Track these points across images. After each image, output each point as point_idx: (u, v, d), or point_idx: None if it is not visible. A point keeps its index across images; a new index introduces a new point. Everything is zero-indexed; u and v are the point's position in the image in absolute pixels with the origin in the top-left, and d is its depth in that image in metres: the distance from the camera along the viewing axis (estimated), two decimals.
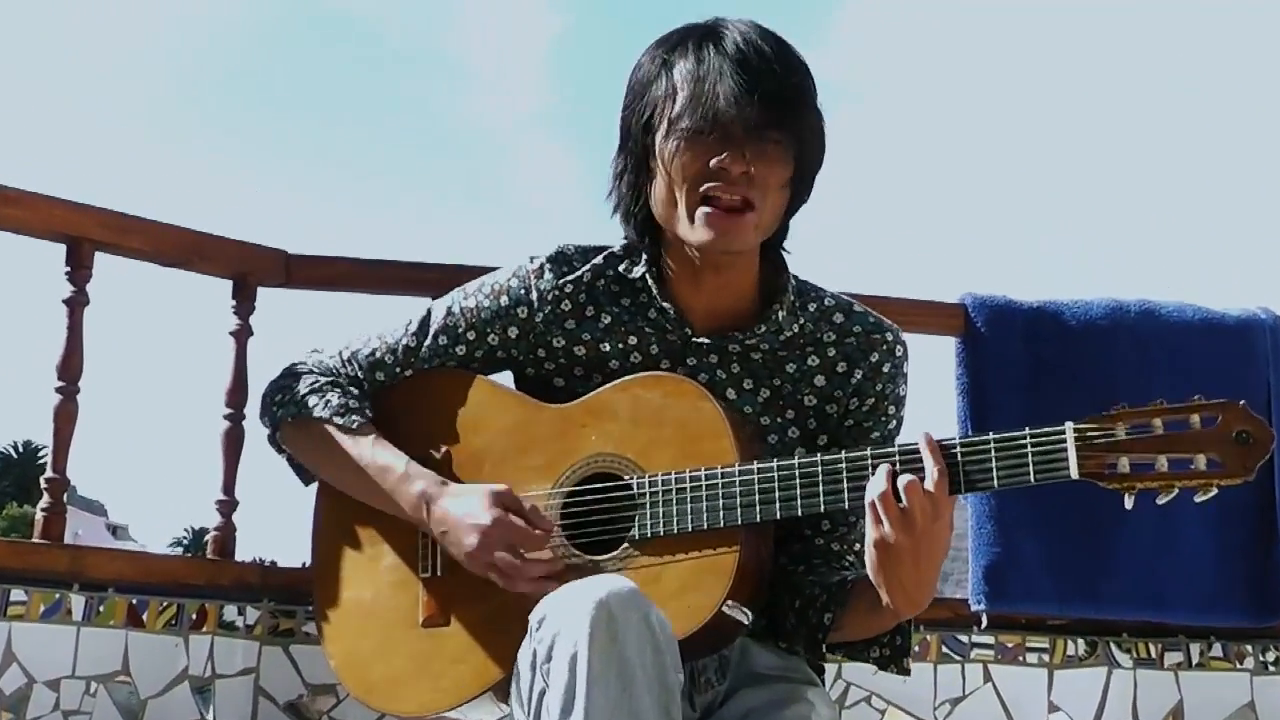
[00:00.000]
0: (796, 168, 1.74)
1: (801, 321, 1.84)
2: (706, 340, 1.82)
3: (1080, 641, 2.76)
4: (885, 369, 1.83)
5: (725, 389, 1.82)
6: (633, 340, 1.83)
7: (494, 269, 1.96)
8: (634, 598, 1.49)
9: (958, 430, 2.78)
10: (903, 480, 1.57)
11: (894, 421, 1.85)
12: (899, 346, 1.85)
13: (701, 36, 1.73)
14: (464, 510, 1.75)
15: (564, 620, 1.50)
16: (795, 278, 1.87)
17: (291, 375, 1.93)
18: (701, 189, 1.73)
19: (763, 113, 1.68)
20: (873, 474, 1.59)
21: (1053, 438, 1.53)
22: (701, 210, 1.73)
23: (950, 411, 2.78)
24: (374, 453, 1.83)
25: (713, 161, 1.70)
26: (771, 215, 1.75)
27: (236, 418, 2.58)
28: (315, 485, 1.94)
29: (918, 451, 1.59)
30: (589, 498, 1.76)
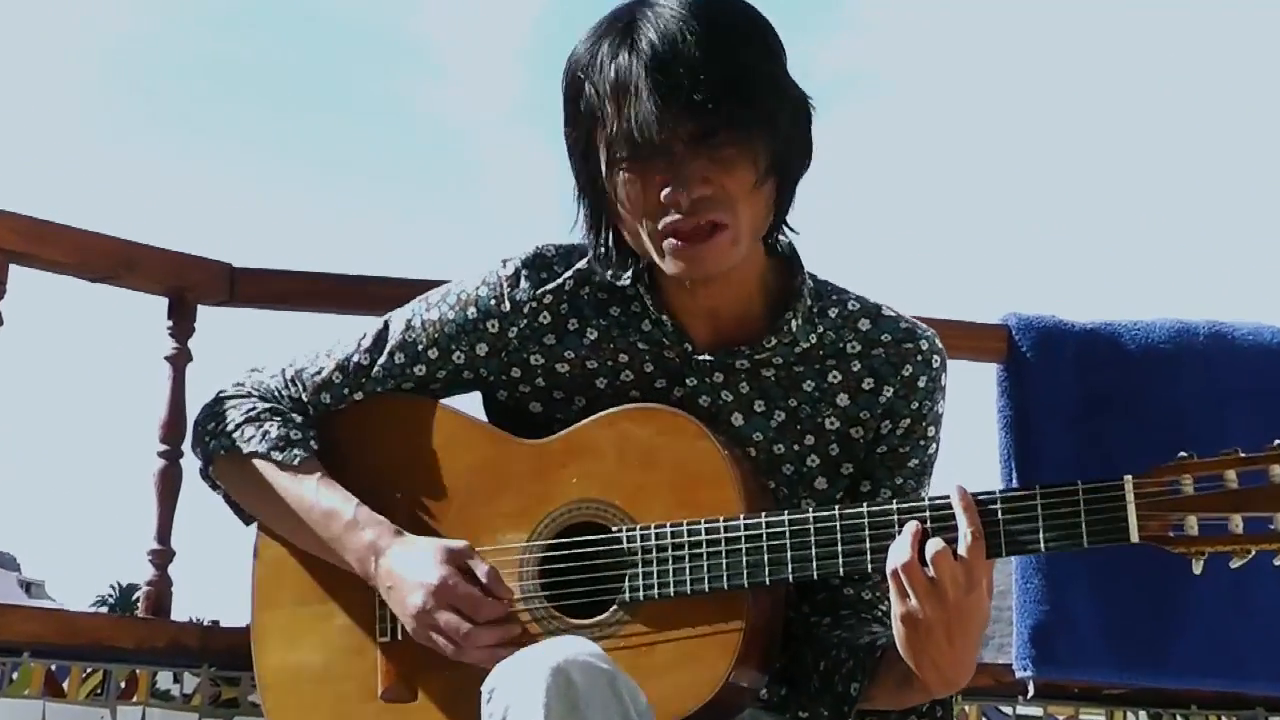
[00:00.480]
0: (771, 156, 1.67)
1: (820, 330, 1.80)
2: (709, 357, 1.78)
3: (1143, 714, 2.78)
4: (921, 384, 1.79)
5: (732, 412, 1.79)
6: (623, 358, 1.80)
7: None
8: (596, 662, 1.47)
9: (999, 470, 2.74)
10: (931, 548, 1.54)
11: (932, 446, 1.82)
12: (936, 356, 1.81)
13: (619, 34, 1.65)
14: (412, 566, 1.73)
15: (517, 691, 1.47)
16: (812, 277, 1.82)
17: (226, 400, 1.90)
18: (660, 224, 1.68)
19: (701, 119, 1.62)
20: (898, 533, 1.57)
21: (1109, 494, 1.51)
22: (667, 243, 1.69)
23: (990, 447, 2.74)
24: (319, 494, 1.81)
25: (662, 194, 1.66)
26: (754, 221, 1.70)
27: (173, 455, 2.54)
28: (256, 526, 1.92)
29: (950, 507, 1.56)
30: (571, 552, 1.73)
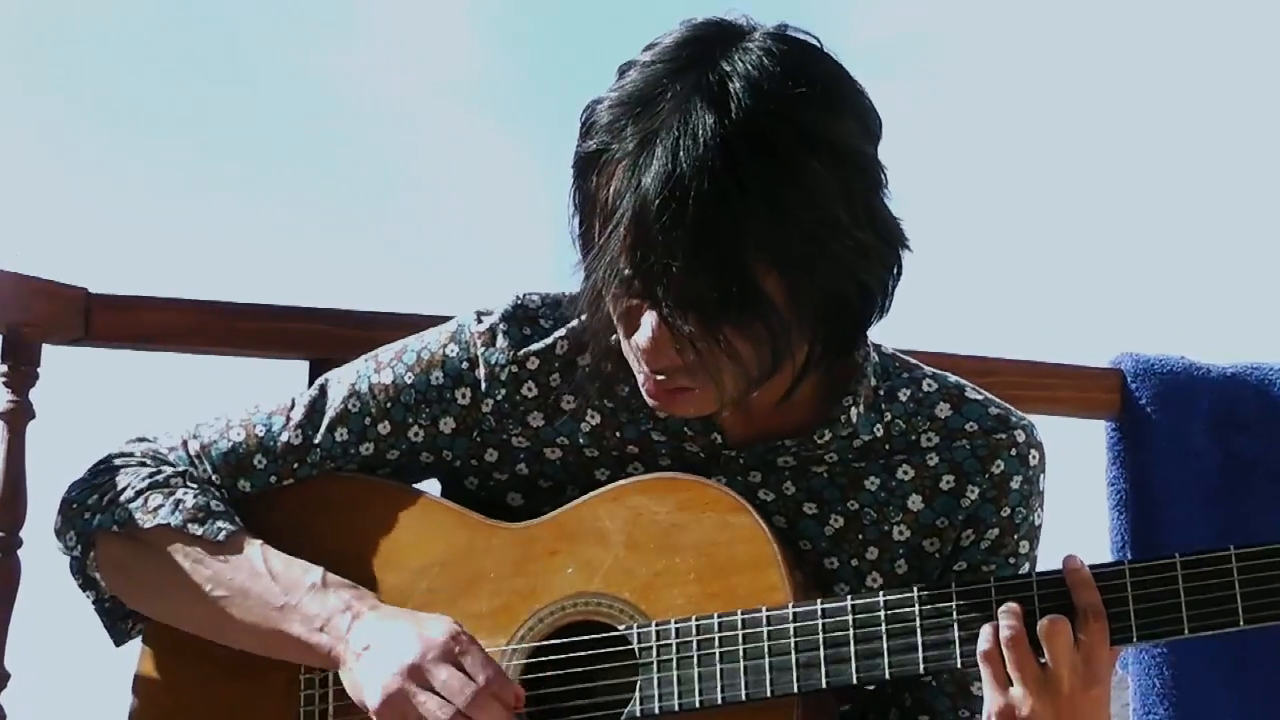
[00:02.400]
0: (795, 338, 1.79)
1: (889, 418, 1.93)
2: (742, 452, 1.92)
3: None
4: (1014, 484, 1.93)
5: (772, 517, 1.91)
6: (633, 449, 1.93)
7: (419, 320, 2.05)
8: None
9: (1110, 554, 2.86)
10: (1044, 623, 1.64)
11: (1025, 564, 1.95)
12: (1033, 452, 1.94)
13: (646, 125, 1.77)
14: (392, 638, 1.85)
15: None
16: (878, 350, 1.96)
17: (111, 469, 2.01)
18: (633, 353, 1.84)
19: (682, 293, 1.75)
20: (998, 610, 1.68)
21: (1272, 554, 1.63)
22: (639, 372, 1.85)
23: (1097, 532, 2.90)
24: (268, 559, 1.93)
25: (632, 340, 1.81)
26: (749, 380, 1.82)
27: (8, 545, 2.56)
28: (139, 645, 2.05)
29: (1061, 581, 1.69)
30: (564, 657, 1.86)
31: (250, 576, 1.93)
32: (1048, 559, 2.02)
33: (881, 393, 1.95)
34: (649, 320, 1.78)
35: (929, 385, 1.97)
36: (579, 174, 1.83)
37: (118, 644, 2.07)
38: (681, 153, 1.72)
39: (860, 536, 1.92)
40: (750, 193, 1.72)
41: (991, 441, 1.93)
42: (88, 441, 2.11)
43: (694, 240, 1.72)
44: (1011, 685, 1.68)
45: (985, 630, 1.71)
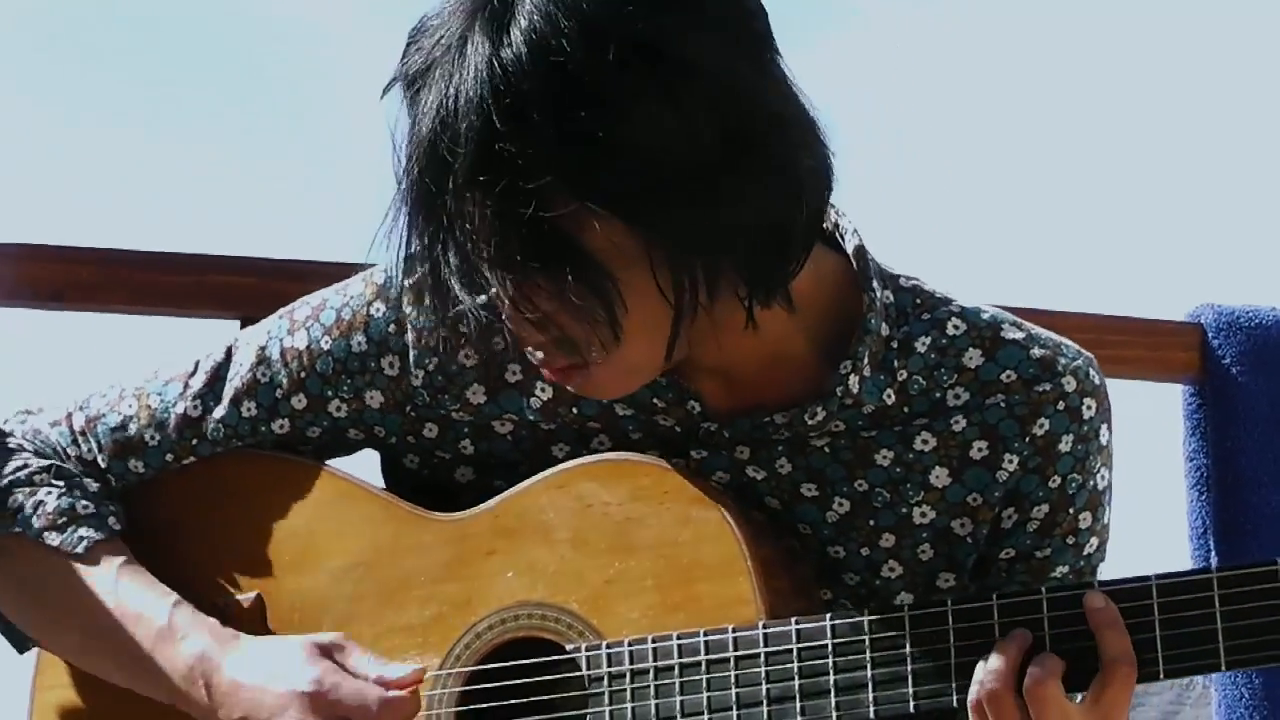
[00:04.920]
0: (666, 261, 1.68)
1: (903, 378, 1.81)
2: (724, 424, 1.82)
3: None
4: (1063, 447, 1.80)
5: (765, 498, 1.82)
6: (594, 424, 1.84)
7: (357, 269, 1.91)
8: None
9: (1189, 546, 2.75)
10: (1028, 685, 1.59)
11: (1090, 543, 1.83)
12: (1087, 400, 1.81)
13: (427, 55, 1.72)
14: (267, 671, 1.78)
15: None
16: (893, 285, 1.83)
17: None
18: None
19: (502, 245, 1.68)
20: (999, 642, 1.61)
21: None
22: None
23: (1173, 516, 2.78)
24: (117, 592, 1.84)
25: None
26: (656, 343, 1.72)
27: None
28: (38, 650, 1.96)
29: (1078, 603, 1.61)
30: (504, 684, 1.76)
31: (103, 608, 1.85)
32: (1113, 554, 1.88)
33: (894, 344, 1.80)
34: (462, 292, 1.71)
35: (955, 327, 1.81)
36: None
37: (19, 650, 1.97)
38: (452, 86, 1.66)
39: (872, 522, 1.81)
40: (532, 124, 1.64)
41: (1033, 395, 1.79)
42: None
43: (471, 188, 1.65)
44: None
45: (977, 671, 1.62)
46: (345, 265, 2.09)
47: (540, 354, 1.73)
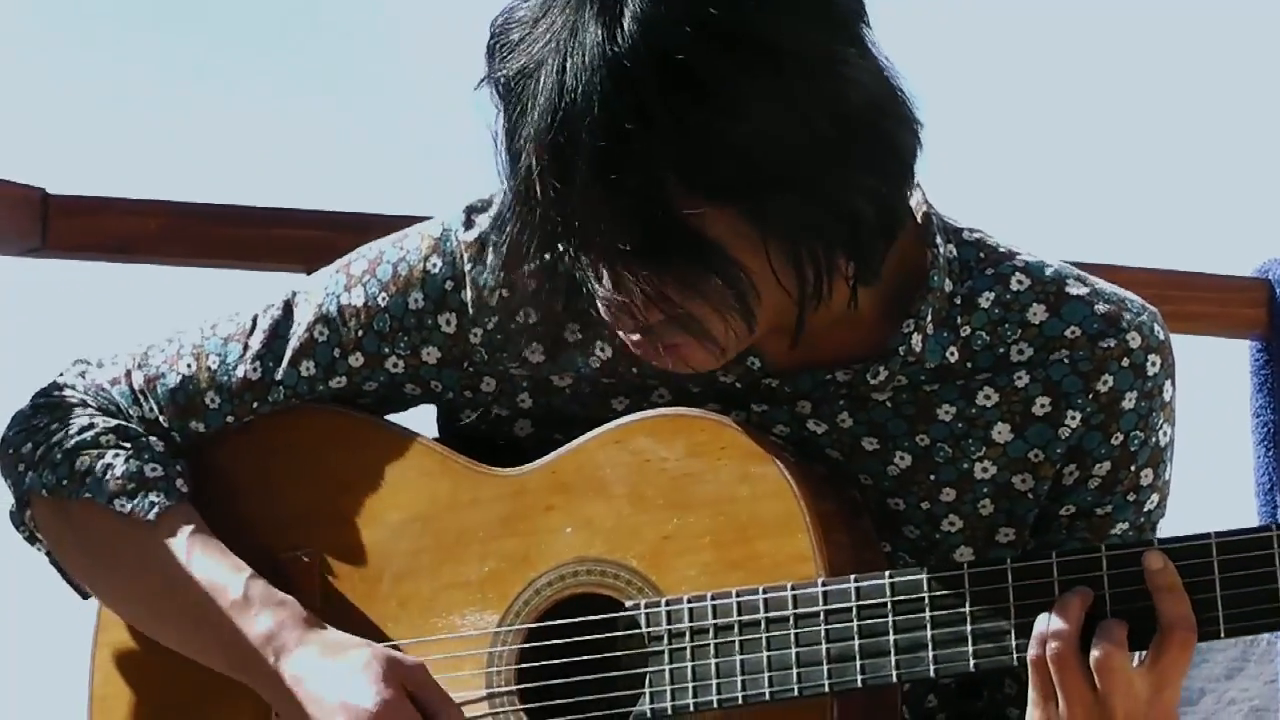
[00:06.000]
0: (786, 245, 1.69)
1: (967, 333, 1.81)
2: (785, 380, 1.82)
3: None
4: (1126, 403, 1.79)
5: (825, 451, 1.82)
6: (653, 381, 1.84)
7: (416, 221, 1.91)
8: None
9: (1255, 502, 2.75)
10: (1096, 654, 1.60)
11: (1150, 499, 1.82)
12: (1152, 357, 1.80)
13: (534, 47, 1.70)
14: (337, 678, 1.77)
15: None
16: (955, 236, 1.83)
17: (47, 409, 1.92)
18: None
19: (617, 235, 1.68)
20: (1058, 599, 1.61)
21: None
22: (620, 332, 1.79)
23: (1240, 472, 2.76)
24: (190, 560, 1.84)
25: (599, 292, 1.75)
26: (762, 318, 1.73)
27: None
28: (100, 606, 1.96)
29: (1137, 561, 1.60)
30: (564, 642, 1.75)
31: (173, 576, 1.85)
32: (1177, 511, 1.88)
33: (958, 300, 1.80)
34: (594, 282, 1.72)
35: (1019, 282, 1.81)
36: (497, 103, 1.74)
37: (84, 597, 1.97)
38: (568, 79, 1.65)
39: (933, 477, 1.80)
40: (652, 118, 1.64)
41: (1097, 352, 1.78)
42: (46, 366, 2.00)
43: (596, 185, 1.64)
44: (1053, 699, 1.62)
45: (1037, 626, 1.63)
46: (409, 218, 2.11)
47: (636, 336, 1.74)
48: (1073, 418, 1.78)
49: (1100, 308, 1.80)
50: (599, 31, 1.63)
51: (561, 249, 1.71)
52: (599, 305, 1.73)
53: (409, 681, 1.75)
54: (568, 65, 1.64)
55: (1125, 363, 1.78)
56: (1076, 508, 1.79)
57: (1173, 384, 1.81)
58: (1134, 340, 1.79)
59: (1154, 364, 1.79)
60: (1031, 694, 1.63)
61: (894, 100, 1.71)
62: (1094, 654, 1.61)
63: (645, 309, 1.69)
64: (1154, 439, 1.80)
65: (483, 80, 1.72)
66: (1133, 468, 1.79)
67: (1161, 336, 1.80)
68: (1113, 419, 1.78)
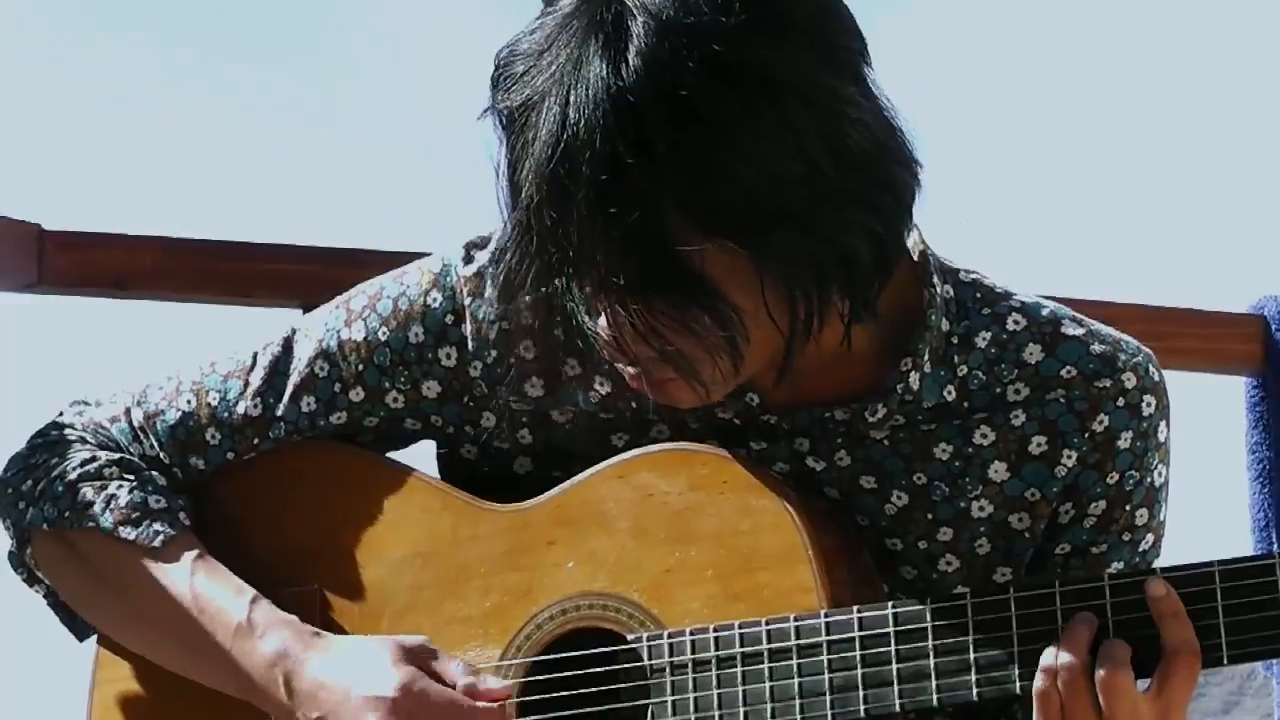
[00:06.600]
0: (781, 288, 1.69)
1: (964, 373, 1.81)
2: (783, 417, 1.82)
3: None
4: (1122, 443, 1.80)
5: (823, 489, 1.82)
6: (653, 415, 1.84)
7: (417, 257, 1.91)
8: None
9: (1251, 539, 2.73)
10: (1102, 675, 1.59)
11: (1145, 539, 1.83)
12: (1147, 398, 1.81)
13: (538, 79, 1.70)
14: (351, 674, 1.77)
15: None
16: (952, 278, 1.84)
17: (49, 445, 1.92)
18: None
19: (613, 267, 1.67)
20: (1063, 629, 1.60)
21: None
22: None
23: (1235, 509, 2.76)
24: (194, 587, 1.84)
25: (596, 326, 1.75)
26: (756, 366, 1.74)
27: None
28: (96, 643, 1.96)
29: (1139, 589, 1.60)
30: (566, 675, 1.76)
31: (179, 601, 1.85)
32: (1174, 546, 1.89)
33: (955, 340, 1.81)
34: (586, 316, 1.73)
35: (1015, 323, 1.81)
36: (499, 134, 1.74)
37: (80, 639, 1.97)
38: (571, 112, 1.65)
39: (930, 516, 1.80)
40: (655, 153, 1.64)
41: (1093, 391, 1.79)
42: (42, 403, 2.00)
43: (595, 217, 1.65)
44: None
45: (1044, 659, 1.62)
46: (405, 254, 2.12)
47: (631, 369, 1.74)
48: (1069, 457, 1.79)
49: (1096, 348, 1.81)
50: (603, 66, 1.63)
51: (559, 281, 1.70)
52: (594, 338, 1.73)
53: (421, 658, 1.75)
54: (571, 98, 1.64)
55: (1121, 402, 1.79)
56: (1072, 546, 1.80)
57: (1167, 425, 1.82)
58: (1129, 380, 1.79)
59: (1149, 404, 1.80)
60: None
61: (894, 140, 1.71)
62: (1099, 674, 1.61)
63: (635, 343, 1.69)
64: (1149, 479, 1.81)
65: (486, 111, 1.72)
66: (1128, 507, 1.80)
67: (1156, 378, 1.81)
68: (1108, 458, 1.79)
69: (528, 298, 1.76)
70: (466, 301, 1.85)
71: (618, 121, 1.62)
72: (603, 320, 1.70)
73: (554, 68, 1.66)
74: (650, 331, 1.67)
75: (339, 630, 1.84)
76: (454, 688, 1.74)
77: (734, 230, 1.65)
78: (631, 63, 1.63)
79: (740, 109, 1.64)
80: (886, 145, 1.70)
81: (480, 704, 1.72)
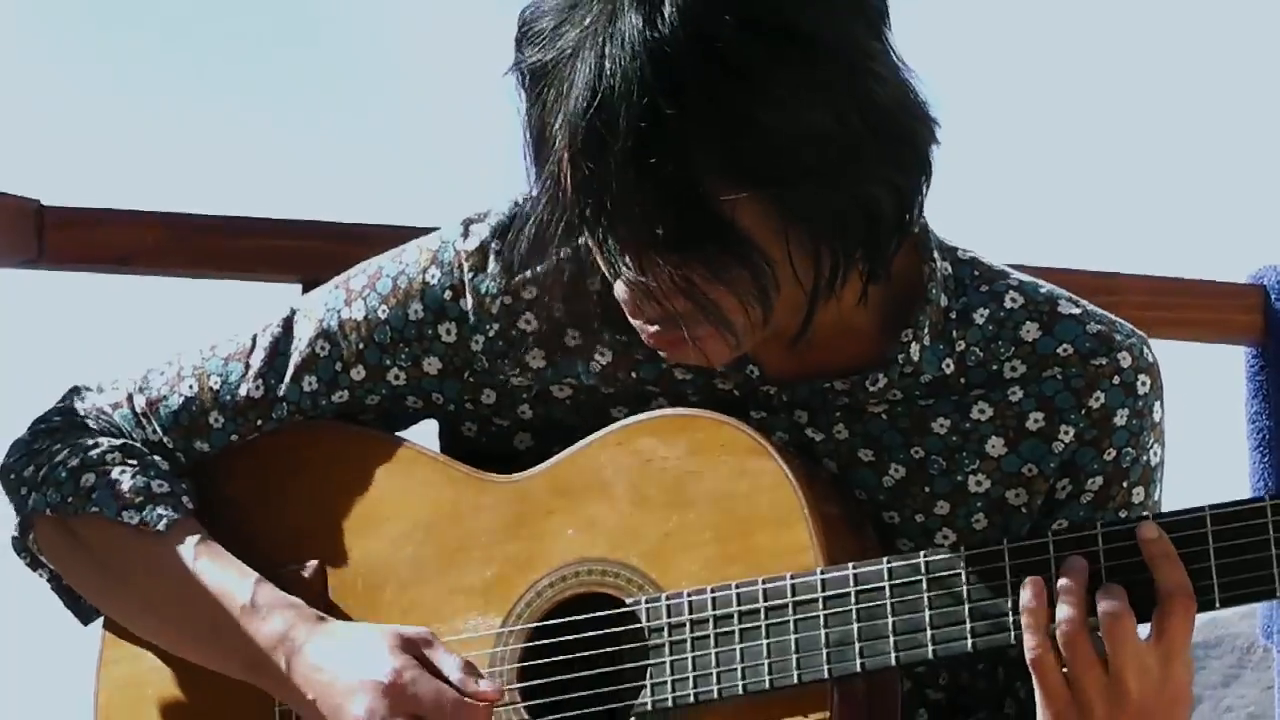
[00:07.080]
0: (810, 241, 1.70)
1: (962, 348, 1.83)
2: (783, 389, 1.83)
3: None
4: (1118, 420, 1.82)
5: (821, 460, 1.84)
6: (652, 388, 1.85)
7: (420, 232, 1.93)
8: None
9: None
10: (1105, 618, 1.61)
11: (1140, 516, 1.82)
12: (1142, 377, 1.83)
13: (572, 33, 1.70)
14: (348, 660, 1.78)
15: None
16: (950, 254, 1.85)
17: (48, 433, 1.93)
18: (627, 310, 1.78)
19: (649, 221, 1.68)
20: (1061, 587, 1.62)
21: None
22: (634, 323, 1.78)
23: (1235, 476, 2.74)
24: (197, 568, 1.85)
25: (616, 287, 1.75)
26: (780, 314, 1.74)
27: None
28: (102, 625, 1.97)
29: (1131, 535, 1.62)
30: (565, 639, 1.77)
31: (183, 584, 1.86)
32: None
33: (953, 315, 1.83)
34: (622, 268, 1.72)
35: (1013, 300, 1.83)
36: (522, 92, 1.75)
37: (85, 622, 1.99)
38: (607, 63, 1.65)
39: (927, 489, 1.82)
40: (690, 104, 1.64)
41: (1089, 369, 1.81)
42: (43, 381, 2.04)
43: (631, 168, 1.65)
44: (1068, 697, 1.64)
45: (1024, 613, 1.65)
46: (408, 229, 2.13)
47: (655, 326, 1.74)
48: (1066, 433, 1.81)
49: (1092, 327, 1.82)
50: (638, 18, 1.64)
51: (596, 234, 1.70)
52: (620, 293, 1.74)
53: (419, 648, 1.76)
54: (607, 49, 1.64)
55: (1116, 381, 1.81)
56: (1068, 523, 1.81)
57: (1162, 406, 1.84)
58: (1125, 360, 1.81)
59: (1144, 384, 1.82)
60: (1039, 696, 1.64)
61: (916, 98, 1.72)
62: (1102, 621, 1.63)
63: (670, 296, 1.69)
64: (1145, 457, 1.83)
65: (510, 68, 1.73)
66: (1124, 484, 1.82)
67: (1151, 359, 1.83)
68: (1105, 435, 1.81)
69: (540, 266, 1.79)
70: (467, 276, 1.86)
71: (655, 73, 1.63)
72: (628, 275, 1.71)
73: (587, 20, 1.67)
74: (685, 283, 1.68)
75: (343, 604, 1.85)
76: (448, 682, 1.75)
77: (764, 182, 1.66)
78: (667, 15, 1.63)
79: (773, 62, 1.65)
80: (907, 102, 1.71)
81: (467, 700, 1.73)
